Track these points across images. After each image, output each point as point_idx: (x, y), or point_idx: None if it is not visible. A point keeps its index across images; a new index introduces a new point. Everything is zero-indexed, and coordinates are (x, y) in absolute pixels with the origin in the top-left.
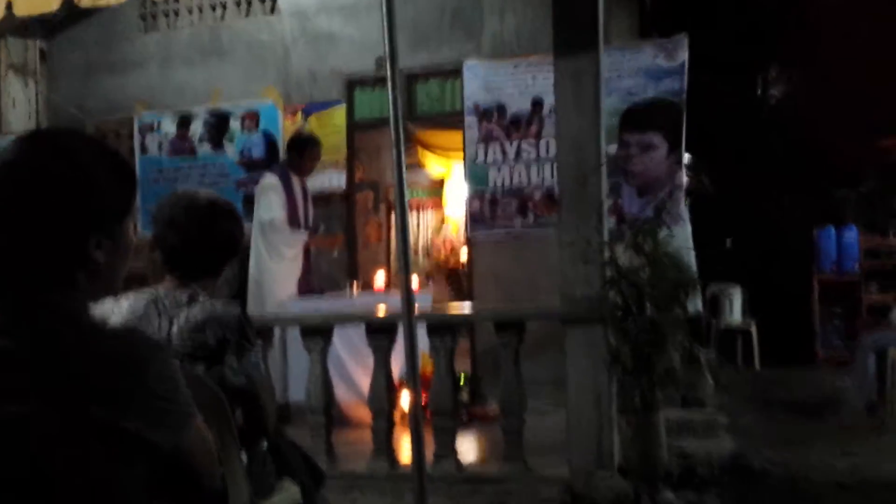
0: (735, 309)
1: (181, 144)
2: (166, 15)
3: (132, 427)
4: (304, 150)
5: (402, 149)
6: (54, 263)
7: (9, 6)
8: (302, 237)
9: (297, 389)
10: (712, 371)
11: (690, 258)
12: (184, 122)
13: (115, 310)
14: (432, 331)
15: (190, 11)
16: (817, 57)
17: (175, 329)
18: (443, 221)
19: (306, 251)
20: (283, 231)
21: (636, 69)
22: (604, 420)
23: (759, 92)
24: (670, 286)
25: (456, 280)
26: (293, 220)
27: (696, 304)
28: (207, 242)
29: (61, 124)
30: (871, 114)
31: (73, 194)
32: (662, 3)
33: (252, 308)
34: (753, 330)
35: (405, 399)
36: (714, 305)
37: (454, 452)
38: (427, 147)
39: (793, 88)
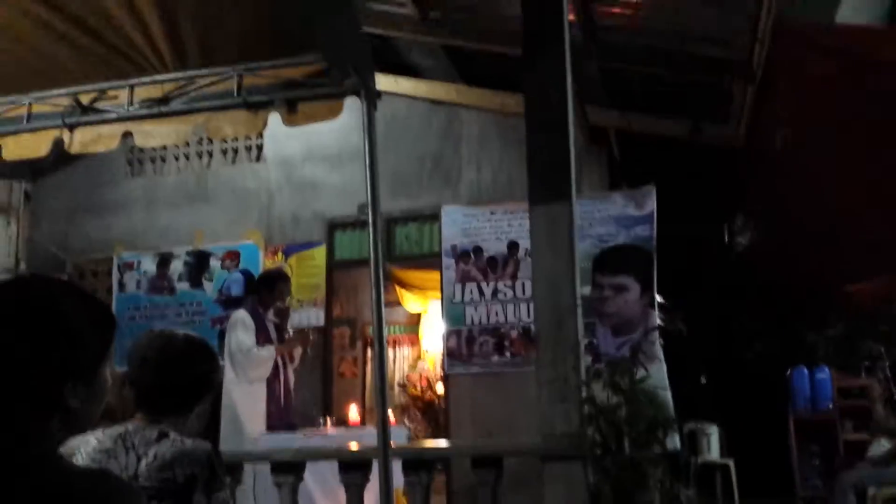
0: (713, 446)
1: (160, 283)
2: (153, 161)
3: None
4: (273, 286)
5: (382, 288)
6: (29, 408)
7: None
8: (271, 352)
9: None
10: None
11: (667, 396)
12: (164, 261)
13: (82, 446)
14: (408, 467)
15: (177, 158)
16: (782, 205)
17: (143, 466)
18: (419, 357)
19: (282, 378)
20: (250, 351)
21: (607, 217)
22: None
23: (726, 239)
24: (648, 424)
25: (432, 415)
26: (263, 344)
27: (674, 441)
28: (182, 382)
29: (41, 263)
30: (838, 260)
31: (51, 342)
32: (631, 157)
33: (226, 438)
34: (732, 466)
35: None
36: (692, 442)
37: None
38: (405, 286)
39: (760, 235)
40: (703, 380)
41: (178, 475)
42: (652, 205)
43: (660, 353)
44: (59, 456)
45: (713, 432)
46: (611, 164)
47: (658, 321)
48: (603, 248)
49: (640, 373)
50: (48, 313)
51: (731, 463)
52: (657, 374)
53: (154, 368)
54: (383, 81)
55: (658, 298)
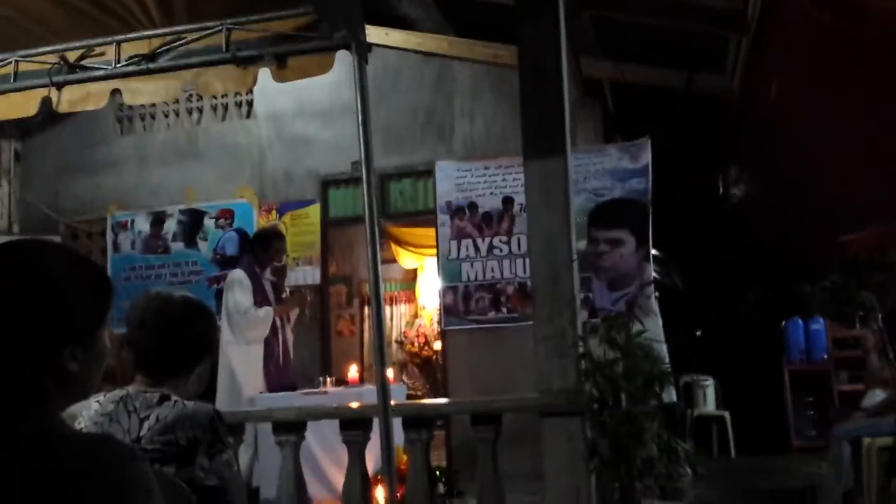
0: (709, 399)
1: (154, 243)
2: (142, 118)
3: None
4: (268, 245)
5: (378, 246)
6: (28, 375)
7: None
8: (268, 313)
9: (269, 485)
10: (690, 461)
11: (662, 350)
12: (157, 220)
13: (84, 410)
14: (407, 424)
15: (166, 115)
16: (777, 156)
17: (145, 429)
18: (416, 314)
19: (280, 338)
20: (247, 313)
21: (602, 171)
22: None
23: (721, 190)
24: (644, 378)
25: (430, 371)
26: (260, 304)
27: (670, 395)
28: (181, 344)
29: (34, 223)
30: (833, 210)
31: (48, 307)
32: (625, 109)
33: (223, 399)
34: (728, 419)
35: (381, 494)
36: (688, 395)
37: None
38: (400, 243)
39: (754, 187)
40: (699, 332)
41: (180, 438)
42: (647, 157)
43: (655, 307)
44: (60, 422)
45: (709, 385)
46: (605, 117)
47: (654, 274)
48: (598, 202)
49: (636, 327)
50: (41, 277)
51: (726, 415)
52: (653, 327)
53: (153, 331)
54: (373, 34)
55: (653, 251)
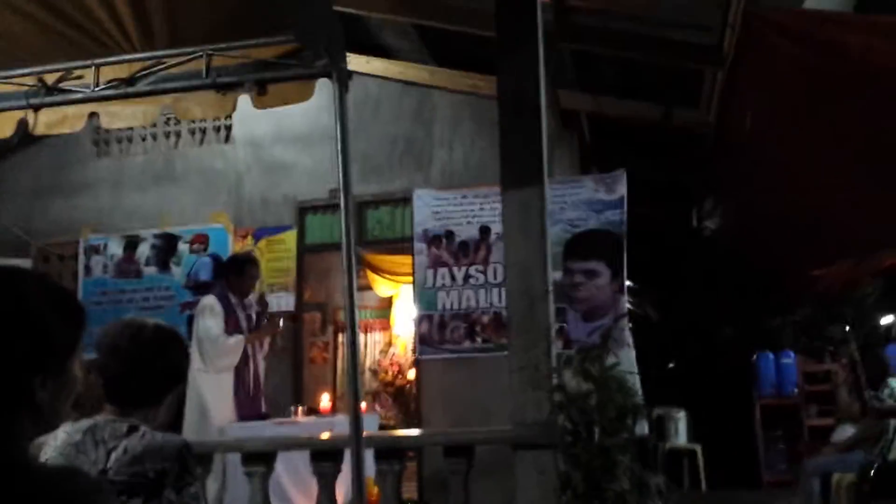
0: (680, 431)
1: (127, 267)
2: (119, 141)
3: None
4: (242, 271)
5: (354, 274)
6: None
7: None
8: (239, 341)
9: None
10: (661, 495)
11: (635, 382)
12: (131, 244)
13: (51, 439)
14: (379, 456)
15: (143, 139)
16: (751, 190)
17: (113, 460)
18: (390, 342)
19: (251, 367)
20: (217, 340)
21: (578, 202)
22: None
23: (695, 223)
24: (617, 410)
25: (403, 400)
26: (232, 332)
27: (642, 427)
28: (153, 372)
29: (4, 245)
30: (804, 245)
31: (19, 335)
32: (602, 141)
33: (191, 428)
34: (699, 452)
35: None
36: (660, 428)
37: None
38: (376, 270)
39: (728, 220)
40: (672, 364)
41: (148, 469)
42: (622, 189)
43: (629, 339)
44: (26, 454)
45: (680, 417)
46: (582, 148)
47: (628, 306)
48: (574, 232)
49: (611, 359)
50: (14, 305)
51: (698, 448)
52: (626, 359)
53: (124, 359)
54: (354, 62)
55: (628, 283)
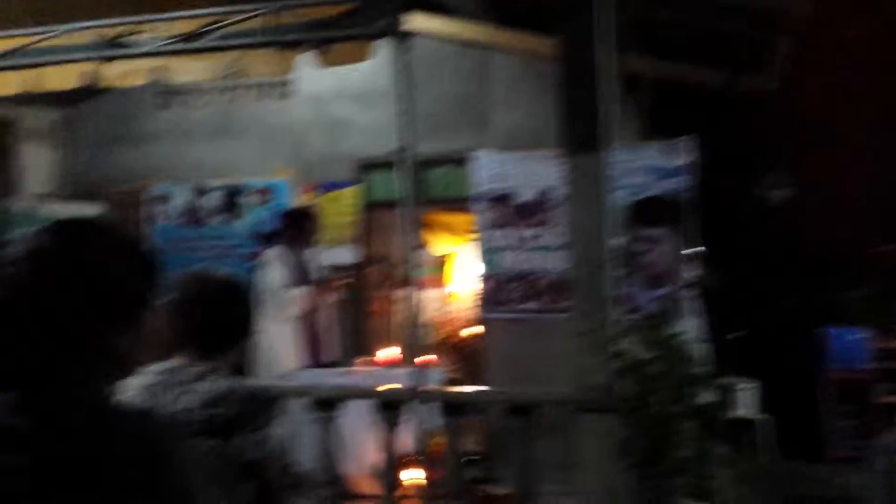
0: (746, 402)
1: (193, 216)
2: (184, 94)
3: None
4: (301, 224)
5: (413, 232)
6: (76, 350)
7: (32, 82)
8: (302, 292)
9: (303, 458)
10: (725, 464)
11: (701, 351)
12: (197, 194)
13: (129, 383)
14: (442, 410)
15: (207, 92)
16: (817, 161)
17: (187, 403)
18: (449, 299)
19: (314, 318)
20: (280, 292)
21: (642, 168)
22: None
23: (760, 193)
24: (681, 379)
25: (462, 356)
26: (296, 283)
27: (707, 397)
28: (224, 321)
29: (79, 191)
30: (872, 219)
31: (98, 284)
32: (666, 107)
33: (258, 375)
34: (765, 423)
35: (412, 476)
36: (725, 398)
37: None
38: (435, 228)
39: (794, 190)
40: (738, 334)
41: (221, 413)
42: (687, 156)
43: (695, 307)
44: (107, 398)
45: (747, 388)
46: (645, 114)
47: (693, 274)
48: (638, 198)
49: (675, 327)
50: (96, 257)
51: (764, 419)
52: (692, 328)
53: (196, 309)
54: (414, 21)
55: (692, 250)
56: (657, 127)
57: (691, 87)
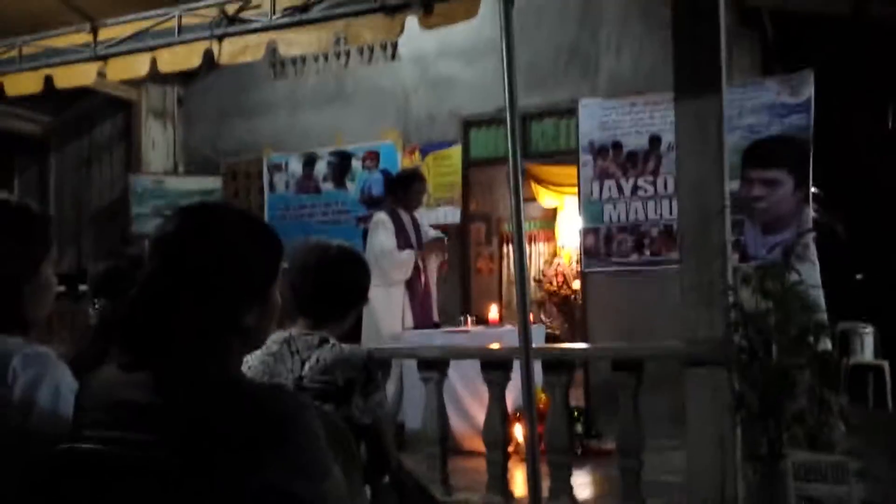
0: (867, 347)
1: (306, 183)
2: (294, 63)
3: (278, 480)
4: (409, 186)
5: (521, 187)
6: (208, 329)
7: (153, 63)
8: (411, 256)
9: (413, 417)
10: (843, 415)
11: (819, 297)
12: (309, 162)
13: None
14: (547, 367)
15: (316, 60)
16: None
17: (306, 369)
18: (555, 253)
19: (423, 279)
20: (391, 254)
21: (759, 106)
22: (727, 466)
23: (890, 125)
24: (799, 329)
25: (568, 310)
26: (403, 246)
27: (825, 343)
28: (339, 291)
29: (197, 164)
30: None
31: (228, 266)
32: (786, 39)
33: (367, 337)
34: (886, 369)
35: (520, 432)
36: (844, 343)
37: (569, 488)
38: (540, 182)
39: None
40: (860, 276)
41: (338, 378)
42: (809, 91)
43: (813, 254)
44: (238, 373)
45: (867, 332)
46: (764, 48)
47: (813, 216)
48: (754, 139)
49: (793, 276)
50: (225, 240)
51: (885, 364)
52: (809, 274)
53: (313, 279)
54: None
55: (813, 191)
56: (777, 60)
57: (815, 16)
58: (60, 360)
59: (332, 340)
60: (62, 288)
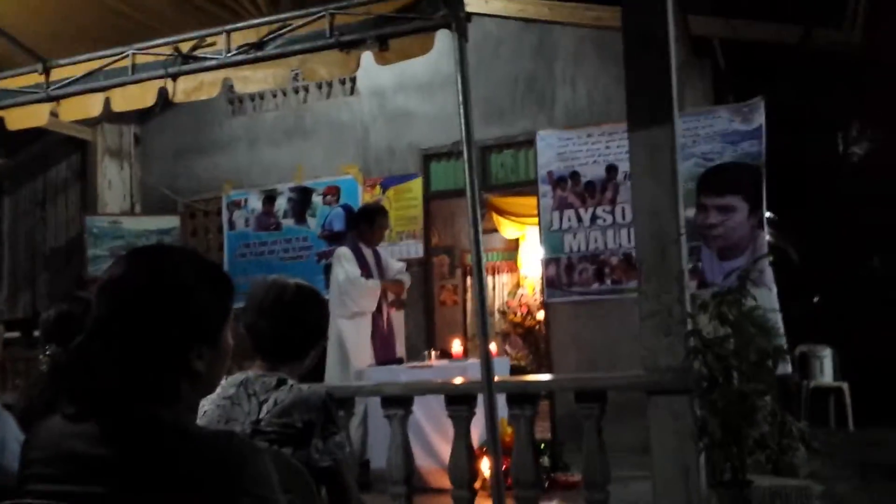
0: (826, 369)
1: (266, 220)
2: (252, 99)
3: None
4: (373, 221)
5: (479, 219)
6: (157, 375)
7: (107, 103)
8: (377, 285)
9: (379, 456)
10: (804, 438)
11: (777, 321)
12: (269, 198)
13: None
14: (512, 400)
15: (274, 95)
16: None
17: (264, 412)
18: (518, 283)
19: (384, 314)
20: (357, 281)
21: (713, 134)
22: (692, 494)
23: (840, 150)
24: (757, 354)
25: (533, 341)
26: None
27: (785, 367)
28: (297, 331)
29: (154, 204)
30: None
31: (177, 309)
32: (737, 67)
33: (332, 372)
34: (846, 390)
35: (486, 466)
36: (804, 366)
37: None
38: (501, 213)
39: (877, 145)
40: (816, 299)
41: (296, 420)
42: (760, 118)
43: (769, 278)
44: (186, 419)
45: (826, 355)
46: (716, 77)
47: (768, 241)
48: (708, 166)
49: (749, 302)
50: (170, 283)
51: (844, 386)
52: (766, 299)
53: (271, 319)
54: (473, 3)
55: (768, 215)
56: (728, 89)
57: (764, 45)
58: (4, 410)
59: (290, 381)
60: (15, 334)
